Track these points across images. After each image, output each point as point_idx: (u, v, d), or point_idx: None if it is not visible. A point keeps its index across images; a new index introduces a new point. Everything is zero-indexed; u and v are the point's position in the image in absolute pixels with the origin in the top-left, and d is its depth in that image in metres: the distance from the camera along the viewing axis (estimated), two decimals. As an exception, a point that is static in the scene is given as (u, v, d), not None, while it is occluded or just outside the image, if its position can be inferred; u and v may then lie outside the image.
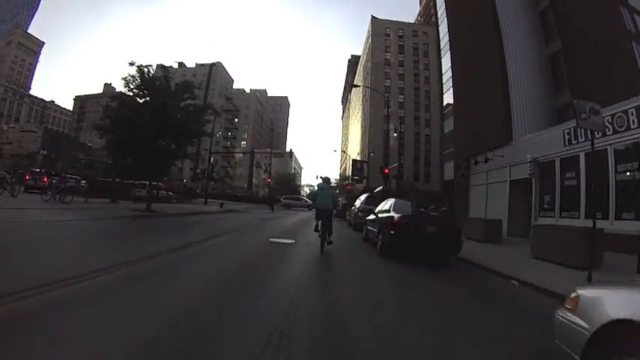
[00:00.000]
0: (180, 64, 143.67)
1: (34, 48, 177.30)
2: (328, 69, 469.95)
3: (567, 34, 23.60)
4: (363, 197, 24.02)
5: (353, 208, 24.99)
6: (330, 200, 11.91)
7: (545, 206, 19.70)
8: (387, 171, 35.02)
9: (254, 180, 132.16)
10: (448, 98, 37.01)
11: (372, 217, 15.77)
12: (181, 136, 22.87)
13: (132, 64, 21.50)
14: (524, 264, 11.77)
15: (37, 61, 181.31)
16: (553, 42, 25.13)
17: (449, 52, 35.59)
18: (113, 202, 26.82)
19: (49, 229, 11.37)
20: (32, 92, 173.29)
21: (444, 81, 38.57)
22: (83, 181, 33.17)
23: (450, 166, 33.44)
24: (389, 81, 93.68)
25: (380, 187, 23.77)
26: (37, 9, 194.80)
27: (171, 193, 41.46)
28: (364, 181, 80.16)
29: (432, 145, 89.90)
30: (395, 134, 53.74)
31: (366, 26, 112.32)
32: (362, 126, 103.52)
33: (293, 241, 13.80)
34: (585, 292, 3.41)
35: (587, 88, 19.53)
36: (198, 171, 45.13)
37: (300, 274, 7.98)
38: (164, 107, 21.34)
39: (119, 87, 22.75)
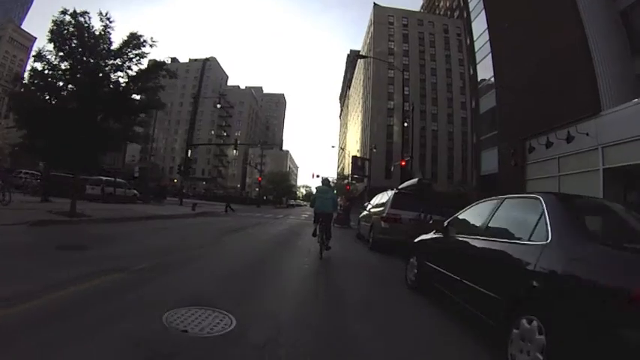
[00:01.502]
0: (173, 60, 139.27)
1: (25, 43, 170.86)
2: (326, 67, 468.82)
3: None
4: (385, 196, 14.94)
5: (365, 212, 17.13)
6: (330, 203, 11.33)
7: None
8: (404, 163, 27.97)
9: (247, 180, 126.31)
10: (483, 71, 29.30)
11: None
12: (118, 107, 15.94)
13: (64, 12, 14.97)
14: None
15: (28, 57, 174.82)
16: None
17: (483, 13, 27.88)
18: (45, 202, 20.58)
19: None
20: None
21: (476, 49, 30.80)
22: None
23: (492, 156, 25.72)
24: (392, 72, 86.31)
25: (413, 180, 15.53)
26: (31, 4, 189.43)
27: (135, 191, 34.66)
28: (365, 180, 74.05)
29: (439, 142, 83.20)
30: (405, 124, 46.81)
31: (365, 22, 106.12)
32: (362, 121, 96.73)
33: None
34: None
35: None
36: (180, 167, 37.66)
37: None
38: (96, 70, 15.17)
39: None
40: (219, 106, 47.13)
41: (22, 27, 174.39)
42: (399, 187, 15.72)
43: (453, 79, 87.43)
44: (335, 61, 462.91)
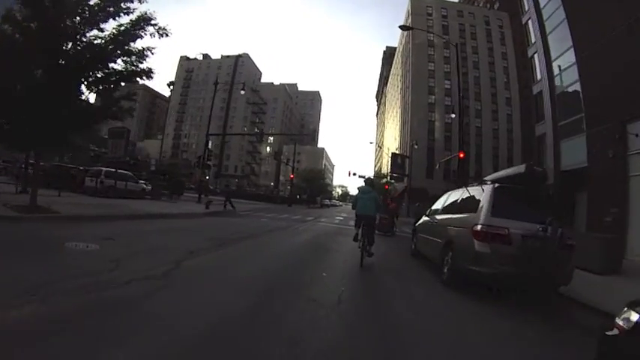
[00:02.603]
0: (205, 56, 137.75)
1: None
2: (362, 65, 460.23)
3: None
4: (470, 194, 9.13)
5: (427, 219, 11.71)
6: (372, 205, 10.45)
7: None
8: (462, 155, 23.80)
9: (281, 177, 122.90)
10: (557, 43, 24.53)
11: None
12: (94, 75, 12.78)
13: None
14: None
15: None
16: None
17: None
18: (22, 193, 17.62)
19: None
20: None
21: (544, 17, 26.02)
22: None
23: (575, 147, 20.84)
24: (432, 64, 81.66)
25: (515, 169, 10.07)
26: None
27: (143, 185, 30.93)
28: (405, 179, 69.72)
29: (483, 140, 77.52)
30: (453, 115, 42.56)
31: (401, 18, 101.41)
32: (401, 118, 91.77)
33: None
34: None
35: None
36: (199, 160, 34.08)
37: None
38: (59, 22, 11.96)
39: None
40: (242, 92, 43.26)
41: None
42: (488, 178, 9.91)
43: (496, 73, 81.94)
44: (371, 58, 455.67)
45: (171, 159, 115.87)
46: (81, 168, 30.37)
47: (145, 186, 30.79)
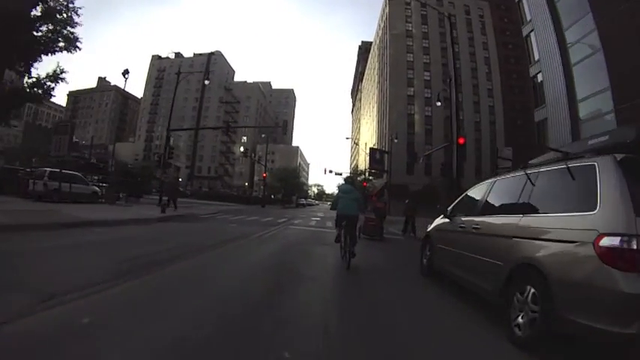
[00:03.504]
0: (177, 55, 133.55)
1: None
2: (336, 62, 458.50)
3: None
4: (546, 179, 5.11)
5: (446, 222, 7.76)
6: (353, 205, 9.85)
7: None
8: (463, 140, 20.41)
9: (255, 178, 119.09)
10: (567, 15, 21.35)
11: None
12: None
13: None
14: None
15: None
16: None
17: None
18: None
19: None
20: None
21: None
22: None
23: (598, 125, 17.43)
24: (411, 55, 78.40)
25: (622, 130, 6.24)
26: None
27: (95, 187, 27.15)
28: (385, 175, 66.39)
29: (465, 133, 74.26)
30: (438, 103, 39.29)
31: (376, 12, 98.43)
32: (378, 112, 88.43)
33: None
34: None
35: None
36: (160, 159, 29.89)
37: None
38: None
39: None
40: (207, 82, 39.10)
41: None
42: (538, 160, 6.24)
43: (477, 64, 79.15)
44: (345, 56, 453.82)
45: (144, 161, 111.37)
46: (27, 170, 28.40)
47: (96, 189, 27.11)
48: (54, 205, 19.02)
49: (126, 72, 32.39)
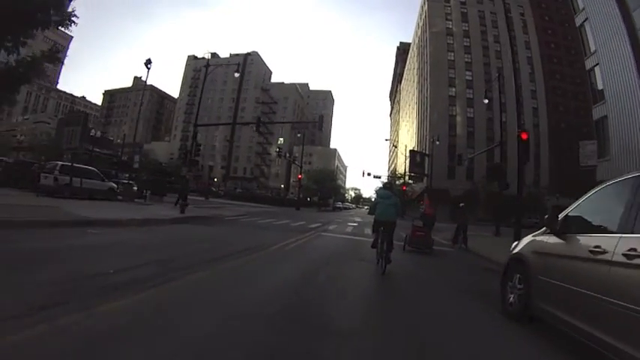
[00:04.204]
0: (213, 55, 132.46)
1: (61, 42, 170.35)
2: (374, 64, 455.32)
3: None
4: None
5: (560, 244, 5.16)
6: (392, 210, 9.74)
7: None
8: (526, 135, 17.74)
9: (292, 180, 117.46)
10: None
11: None
12: None
13: None
14: None
15: (65, 56, 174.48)
16: None
17: None
18: None
19: None
20: (62, 87, 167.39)
21: None
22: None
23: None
24: (452, 54, 75.37)
25: None
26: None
27: (111, 184, 25.42)
28: (425, 179, 63.60)
29: (508, 136, 70.66)
30: (486, 100, 36.52)
31: (414, 14, 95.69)
32: (418, 114, 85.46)
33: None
34: None
35: None
36: (186, 156, 28.10)
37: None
38: None
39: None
40: (237, 75, 36.98)
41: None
42: None
43: (520, 63, 75.19)
44: (383, 58, 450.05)
45: (179, 160, 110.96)
46: (41, 163, 27.73)
47: (113, 185, 25.49)
48: (62, 200, 17.72)
49: (148, 62, 30.84)
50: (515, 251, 6.39)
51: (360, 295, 6.74)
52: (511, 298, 5.98)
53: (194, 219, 18.69)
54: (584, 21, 29.59)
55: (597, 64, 27.89)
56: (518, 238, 15.97)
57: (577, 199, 5.20)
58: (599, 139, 27.50)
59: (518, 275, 5.95)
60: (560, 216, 5.27)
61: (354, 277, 8.49)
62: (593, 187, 4.97)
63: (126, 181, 28.88)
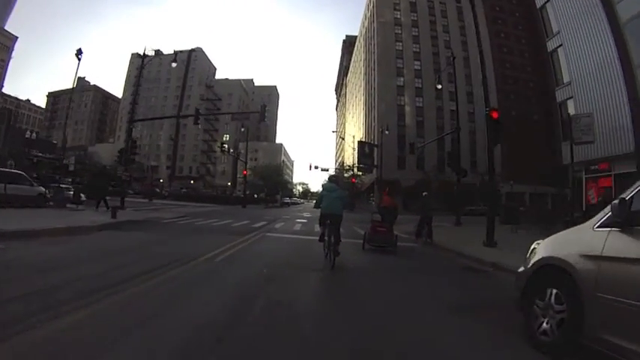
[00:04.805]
0: (157, 52, 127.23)
1: (6, 43, 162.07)
2: (320, 60, 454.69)
3: None
4: None
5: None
6: (338, 203, 9.71)
7: None
8: (496, 114, 15.86)
9: (239, 177, 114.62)
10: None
11: None
12: None
13: None
14: None
15: (9, 57, 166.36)
16: None
17: None
18: None
19: None
20: (6, 91, 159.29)
21: None
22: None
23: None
24: (400, 44, 74.40)
25: None
26: (14, 4, 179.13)
27: (41, 188, 22.78)
28: (374, 170, 62.21)
29: (460, 123, 70.19)
30: (439, 86, 35.20)
31: (361, 7, 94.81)
32: (365, 105, 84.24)
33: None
34: None
35: None
36: (121, 154, 25.35)
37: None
38: None
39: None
40: (174, 64, 34.40)
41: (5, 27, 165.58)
42: None
43: (470, 53, 75.05)
44: (329, 53, 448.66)
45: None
46: None
47: (42, 190, 22.66)
48: None
49: (79, 52, 27.80)
50: (544, 255, 4.35)
51: (317, 339, 4.16)
52: (544, 324, 3.92)
53: (126, 224, 16.27)
54: (546, 2, 29.34)
55: (561, 45, 27.48)
56: (492, 228, 14.24)
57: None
58: (562, 122, 26.88)
59: (554, 291, 3.93)
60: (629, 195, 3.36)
61: (306, 300, 5.97)
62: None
63: (56, 185, 25.92)
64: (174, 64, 39.16)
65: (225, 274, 7.63)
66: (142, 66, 29.51)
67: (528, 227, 20.01)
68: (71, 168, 35.56)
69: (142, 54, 26.61)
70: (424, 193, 17.29)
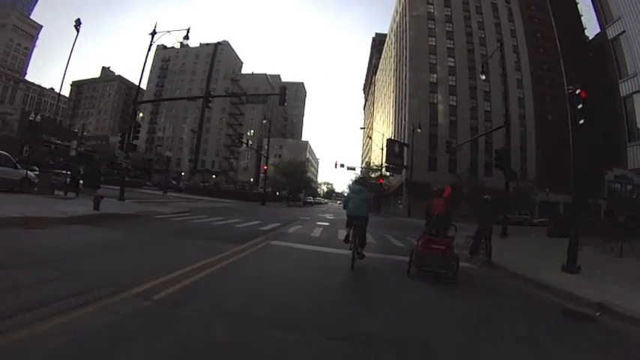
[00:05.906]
0: (183, 45, 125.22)
1: (30, 32, 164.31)
2: (348, 58, 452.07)
3: None
4: None
5: None
6: (364, 205, 9.57)
7: None
8: (585, 94, 11.87)
9: (261, 173, 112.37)
10: None
11: None
12: None
13: None
14: None
15: (34, 46, 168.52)
16: None
17: None
18: None
19: None
20: (31, 79, 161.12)
21: None
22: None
23: None
24: (433, 39, 70.21)
25: None
26: None
27: (27, 172, 20.34)
28: (403, 171, 58.55)
29: (492, 124, 65.81)
30: (482, 77, 31.79)
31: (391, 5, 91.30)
32: (395, 103, 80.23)
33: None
34: None
35: None
36: (122, 139, 22.70)
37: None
38: None
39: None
40: (186, 41, 31.44)
41: (31, 16, 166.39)
42: None
43: (505, 51, 70.94)
44: (358, 51, 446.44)
45: (145, 154, 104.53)
46: None
47: (29, 173, 20.68)
48: None
49: (78, 23, 25.28)
50: None
51: None
52: None
53: (105, 218, 13.62)
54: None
55: (623, 32, 23.97)
56: (576, 249, 10.40)
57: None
58: (627, 120, 23.03)
59: None
60: None
61: None
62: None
63: (44, 170, 23.38)
64: (186, 41, 35.73)
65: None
66: (151, 41, 26.45)
67: (597, 244, 16.07)
68: (72, 153, 33.27)
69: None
70: (486, 197, 12.68)
